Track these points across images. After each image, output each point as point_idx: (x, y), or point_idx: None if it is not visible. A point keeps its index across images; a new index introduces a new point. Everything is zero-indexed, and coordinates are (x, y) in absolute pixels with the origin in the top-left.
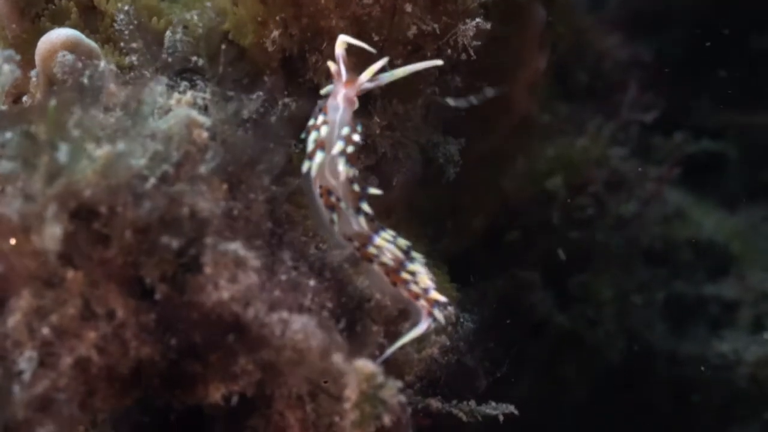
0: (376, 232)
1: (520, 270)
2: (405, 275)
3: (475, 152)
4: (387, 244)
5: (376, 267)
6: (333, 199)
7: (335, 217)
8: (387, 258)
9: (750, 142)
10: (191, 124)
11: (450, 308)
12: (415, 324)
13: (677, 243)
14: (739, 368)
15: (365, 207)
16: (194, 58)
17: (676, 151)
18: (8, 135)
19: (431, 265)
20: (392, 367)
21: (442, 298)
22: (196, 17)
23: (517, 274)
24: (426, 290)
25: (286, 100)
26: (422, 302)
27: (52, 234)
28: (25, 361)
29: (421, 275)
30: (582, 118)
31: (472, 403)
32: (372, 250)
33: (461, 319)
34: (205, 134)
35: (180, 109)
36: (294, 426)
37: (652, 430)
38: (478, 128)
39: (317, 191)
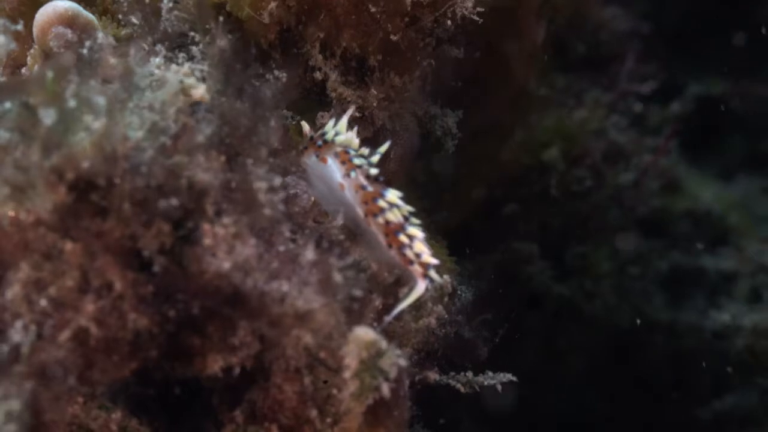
0: (386, 189)
1: (518, 242)
2: (403, 237)
3: (473, 124)
4: (397, 200)
5: (375, 227)
6: (348, 154)
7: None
8: (393, 214)
9: (748, 113)
10: (189, 96)
11: (445, 276)
12: (412, 288)
13: (675, 214)
14: (737, 338)
15: (374, 159)
16: (191, 33)
17: (674, 122)
18: (6, 106)
19: (429, 237)
20: (390, 338)
21: (435, 261)
22: None
23: (515, 245)
24: (419, 255)
25: (283, 72)
26: (415, 267)
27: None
28: (24, 333)
29: (418, 241)
30: (580, 90)
31: (470, 374)
32: (381, 203)
33: (459, 292)
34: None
35: (177, 81)
36: (292, 398)
37: (650, 399)
38: (476, 100)
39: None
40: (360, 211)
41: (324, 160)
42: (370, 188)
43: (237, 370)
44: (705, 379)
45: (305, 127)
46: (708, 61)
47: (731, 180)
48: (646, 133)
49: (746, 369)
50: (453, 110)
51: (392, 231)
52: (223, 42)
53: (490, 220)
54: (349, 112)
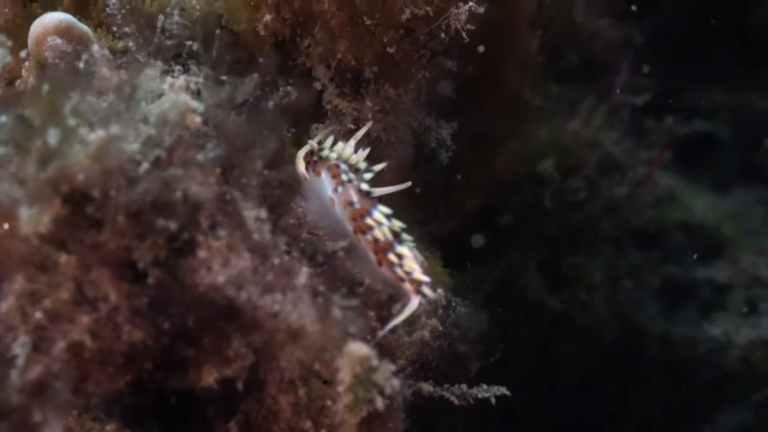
0: (375, 206)
1: (512, 253)
2: (392, 257)
3: (468, 134)
4: (384, 219)
5: (365, 244)
6: (338, 169)
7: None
8: (381, 233)
9: (742, 124)
10: (184, 109)
11: (439, 290)
12: (405, 304)
13: (669, 226)
14: (731, 351)
15: (367, 176)
16: (189, 43)
17: (668, 134)
18: (1, 119)
19: (423, 249)
20: (384, 351)
21: (426, 278)
22: (194, 0)
23: (509, 257)
24: (410, 273)
25: (284, 86)
26: (407, 285)
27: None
28: (19, 345)
29: (408, 259)
30: (574, 100)
31: (464, 386)
32: (369, 221)
33: (453, 304)
34: (197, 119)
35: (173, 94)
36: (286, 410)
37: (644, 411)
38: (471, 110)
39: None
40: (349, 227)
41: (318, 174)
42: (358, 205)
43: (238, 385)
44: (699, 392)
45: (312, 143)
46: (702, 71)
47: (725, 191)
48: (641, 145)
49: (741, 381)
50: (447, 121)
51: (381, 249)
52: (220, 54)
53: (485, 231)
54: (362, 131)
